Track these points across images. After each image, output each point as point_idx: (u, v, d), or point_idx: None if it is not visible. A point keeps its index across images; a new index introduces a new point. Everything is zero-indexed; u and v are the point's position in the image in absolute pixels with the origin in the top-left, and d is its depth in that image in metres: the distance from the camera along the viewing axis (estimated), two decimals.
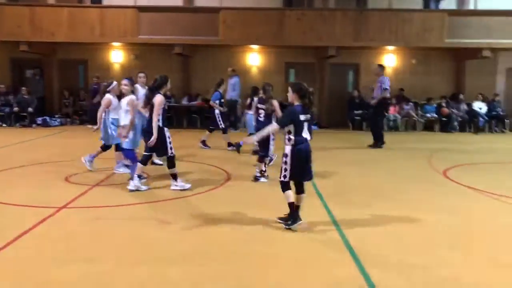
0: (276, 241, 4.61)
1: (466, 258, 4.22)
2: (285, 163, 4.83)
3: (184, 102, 15.95)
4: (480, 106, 15.73)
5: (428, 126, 15.79)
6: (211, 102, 10.85)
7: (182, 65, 16.61)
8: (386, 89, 11.43)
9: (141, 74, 8.66)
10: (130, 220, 5.22)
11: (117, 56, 16.72)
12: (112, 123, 7.65)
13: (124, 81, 7.12)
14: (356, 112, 15.73)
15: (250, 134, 9.68)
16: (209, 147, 10.89)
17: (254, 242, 4.56)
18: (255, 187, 7.02)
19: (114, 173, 7.75)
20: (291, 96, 4.90)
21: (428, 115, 15.75)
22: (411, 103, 15.88)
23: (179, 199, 6.18)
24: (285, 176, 4.86)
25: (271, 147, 7.68)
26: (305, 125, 4.83)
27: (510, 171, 8.63)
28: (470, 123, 15.79)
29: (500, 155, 10.50)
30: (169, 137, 6.52)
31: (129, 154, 7.10)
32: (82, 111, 16.14)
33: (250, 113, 9.66)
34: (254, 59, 16.71)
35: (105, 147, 7.88)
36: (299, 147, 4.79)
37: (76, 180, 7.24)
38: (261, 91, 8.07)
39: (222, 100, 10.93)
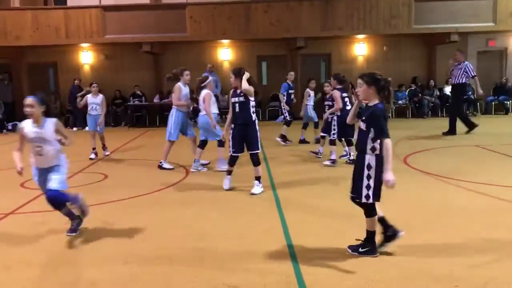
0: (212, 235, 4.59)
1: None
2: (368, 177, 3.80)
3: (156, 100, 15.84)
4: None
5: (401, 113, 15.87)
6: (280, 95, 10.76)
7: (152, 63, 16.51)
8: (475, 76, 11.23)
9: (187, 72, 8.03)
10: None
11: (86, 57, 16.57)
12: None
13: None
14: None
15: (304, 123, 10.65)
16: (290, 141, 10.61)
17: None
18: (207, 186, 6.99)
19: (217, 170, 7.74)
20: (364, 91, 3.86)
21: (400, 101, 15.80)
22: None
23: (132, 199, 6.14)
24: (368, 196, 3.82)
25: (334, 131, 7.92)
26: None
27: (471, 155, 8.67)
28: (443, 108, 15.88)
29: (468, 139, 10.55)
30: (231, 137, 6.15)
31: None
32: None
33: (309, 103, 10.39)
34: (225, 53, 16.65)
35: (203, 143, 7.79)
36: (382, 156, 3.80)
37: (31, 185, 7.15)
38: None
39: (292, 91, 10.75)
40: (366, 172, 3.81)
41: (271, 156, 9.00)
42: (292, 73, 10.99)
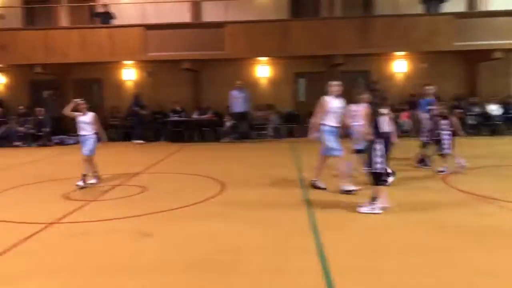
0: (245, 249, 4.64)
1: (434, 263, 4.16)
2: None
3: (194, 116, 16.14)
4: (494, 108, 15.40)
5: None
6: (421, 114, 9.44)
7: (191, 79, 16.90)
8: None
9: (333, 82, 7.20)
10: (112, 234, 5.34)
11: (129, 74, 17.12)
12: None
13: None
14: None
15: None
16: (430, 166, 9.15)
17: (224, 251, 4.60)
18: (243, 201, 7.06)
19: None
20: None
21: None
22: None
23: (169, 211, 6.28)
24: None
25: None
26: None
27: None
28: (485, 126, 15.47)
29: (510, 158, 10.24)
30: (375, 150, 5.87)
31: None
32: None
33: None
34: (262, 71, 16.84)
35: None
36: None
37: (74, 196, 7.44)
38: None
39: (429, 107, 9.11)
40: None
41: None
42: (431, 86, 9.45)
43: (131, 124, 16.01)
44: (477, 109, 15.59)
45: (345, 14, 16.08)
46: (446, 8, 15.40)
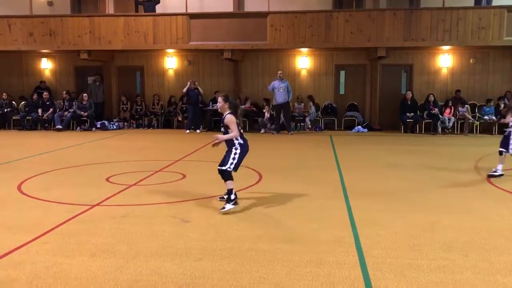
0: (282, 238, 4.64)
1: (477, 263, 4.04)
2: None
3: None
4: None
5: (487, 129, 15.03)
6: None
7: (232, 69, 16.95)
8: None
9: None
10: (152, 218, 5.45)
11: (171, 62, 17.33)
12: None
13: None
14: (408, 114, 15.26)
15: None
16: None
17: (261, 240, 4.62)
18: (281, 191, 7.06)
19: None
20: None
21: (486, 117, 14.96)
22: (467, 105, 15.17)
23: (208, 198, 6.36)
24: None
25: None
26: None
27: None
28: None
29: None
30: None
31: None
32: (138, 115, 16.88)
33: None
34: (303, 62, 16.69)
35: None
36: None
37: (115, 180, 7.64)
38: None
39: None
40: None
41: (346, 165, 8.89)
42: None
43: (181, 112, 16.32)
44: None
45: (390, 6, 15.75)
46: (497, 0, 14.83)
